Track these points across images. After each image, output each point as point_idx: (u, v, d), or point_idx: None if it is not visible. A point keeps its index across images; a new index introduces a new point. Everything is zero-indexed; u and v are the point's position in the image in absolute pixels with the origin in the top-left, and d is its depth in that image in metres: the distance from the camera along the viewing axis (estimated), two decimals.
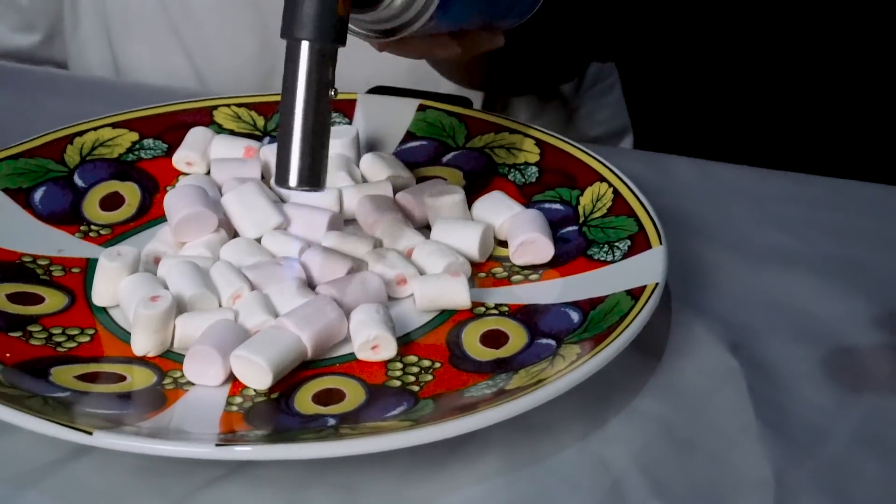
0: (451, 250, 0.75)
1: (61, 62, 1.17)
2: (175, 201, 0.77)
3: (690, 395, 0.69)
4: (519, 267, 0.76)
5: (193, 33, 1.11)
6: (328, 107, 0.65)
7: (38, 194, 0.81)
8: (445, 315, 0.72)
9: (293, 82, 0.64)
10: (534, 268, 0.76)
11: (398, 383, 0.67)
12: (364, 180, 0.83)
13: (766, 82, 1.03)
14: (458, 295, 0.73)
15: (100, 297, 0.73)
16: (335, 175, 0.82)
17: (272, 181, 0.82)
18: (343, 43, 0.65)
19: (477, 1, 0.74)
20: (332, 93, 0.65)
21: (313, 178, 0.65)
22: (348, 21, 0.66)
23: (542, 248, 0.76)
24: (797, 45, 1.00)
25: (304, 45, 0.64)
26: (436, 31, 0.74)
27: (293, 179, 0.65)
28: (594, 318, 0.70)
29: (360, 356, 0.69)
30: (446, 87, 1.12)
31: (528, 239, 0.76)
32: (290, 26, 0.64)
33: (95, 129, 0.86)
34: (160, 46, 1.12)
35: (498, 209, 0.79)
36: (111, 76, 1.13)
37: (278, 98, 0.89)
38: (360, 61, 1.11)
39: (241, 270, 0.73)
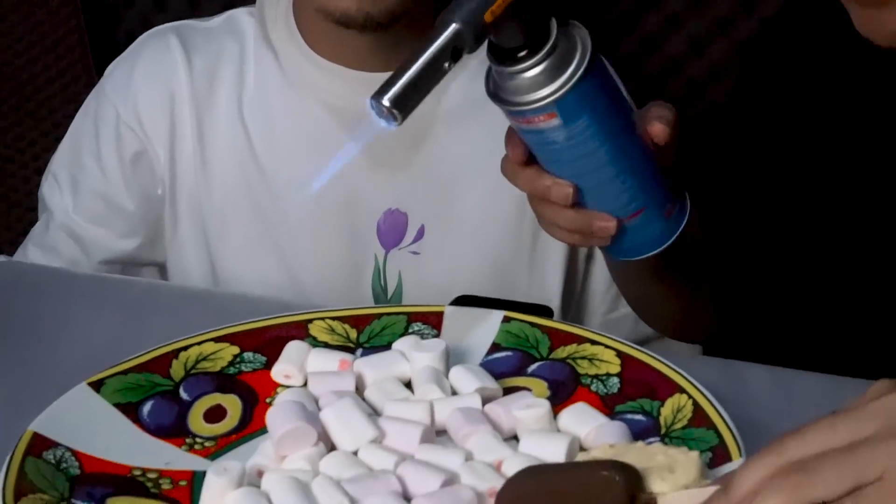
0: (539, 462, 0.79)
1: (161, 263, 1.23)
2: (277, 417, 0.81)
3: None
4: None
5: (285, 232, 1.17)
6: (441, 73, 0.77)
7: (146, 408, 0.86)
8: None
9: (430, 42, 0.77)
10: None
11: None
12: (453, 392, 0.87)
13: (835, 287, 1.06)
14: None
15: None
16: (426, 387, 0.86)
17: (366, 393, 0.87)
18: (475, 46, 0.78)
19: (597, 153, 0.83)
20: (447, 65, 0.77)
21: (401, 106, 0.76)
22: (488, 33, 0.78)
23: None
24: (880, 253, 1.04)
25: (451, 25, 0.77)
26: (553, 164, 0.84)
27: (387, 99, 0.76)
28: None
29: None
30: (523, 293, 1.17)
31: None
32: (449, 10, 0.77)
33: (199, 343, 0.91)
34: (254, 246, 1.18)
35: (583, 420, 0.83)
36: (207, 273, 1.18)
37: (368, 311, 0.94)
38: (445, 267, 1.17)
39: (341, 484, 0.77)
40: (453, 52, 0.77)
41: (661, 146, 0.86)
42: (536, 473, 0.75)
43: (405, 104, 0.76)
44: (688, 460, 0.73)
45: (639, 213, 0.87)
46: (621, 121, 0.84)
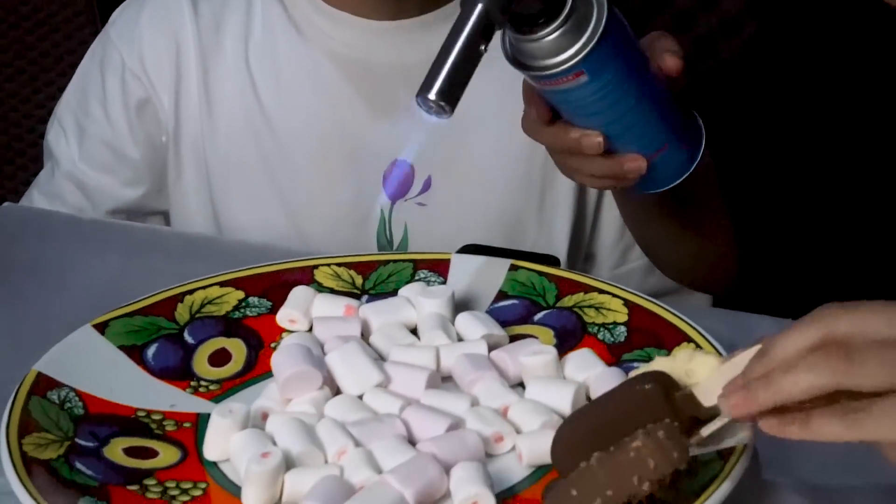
0: (545, 408, 0.78)
1: (165, 211, 1.22)
2: (282, 360, 0.81)
3: None
4: None
5: (291, 182, 1.16)
6: (478, 55, 0.76)
7: (150, 351, 0.85)
8: (543, 470, 0.75)
9: (461, 28, 0.76)
10: None
11: None
12: (459, 338, 0.86)
13: (845, 240, 1.06)
14: None
15: (211, 451, 0.77)
16: (432, 333, 0.85)
17: (371, 339, 0.86)
18: (503, 21, 0.77)
19: (625, 97, 0.83)
20: (483, 47, 0.76)
21: (448, 97, 0.76)
22: (512, 5, 0.77)
23: None
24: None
25: (478, 6, 0.76)
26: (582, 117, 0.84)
27: (434, 94, 0.75)
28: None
29: None
30: (530, 246, 1.16)
31: None
32: None
33: (204, 287, 0.90)
34: (258, 195, 1.17)
35: (588, 368, 0.83)
36: (210, 222, 1.18)
37: (374, 258, 0.94)
38: (452, 215, 1.16)
39: (346, 427, 0.77)
40: (485, 31, 0.76)
41: (674, 77, 0.87)
42: (581, 414, 0.75)
43: (452, 94, 0.76)
44: (706, 355, 0.73)
45: (664, 146, 0.87)
46: (639, 62, 0.85)
